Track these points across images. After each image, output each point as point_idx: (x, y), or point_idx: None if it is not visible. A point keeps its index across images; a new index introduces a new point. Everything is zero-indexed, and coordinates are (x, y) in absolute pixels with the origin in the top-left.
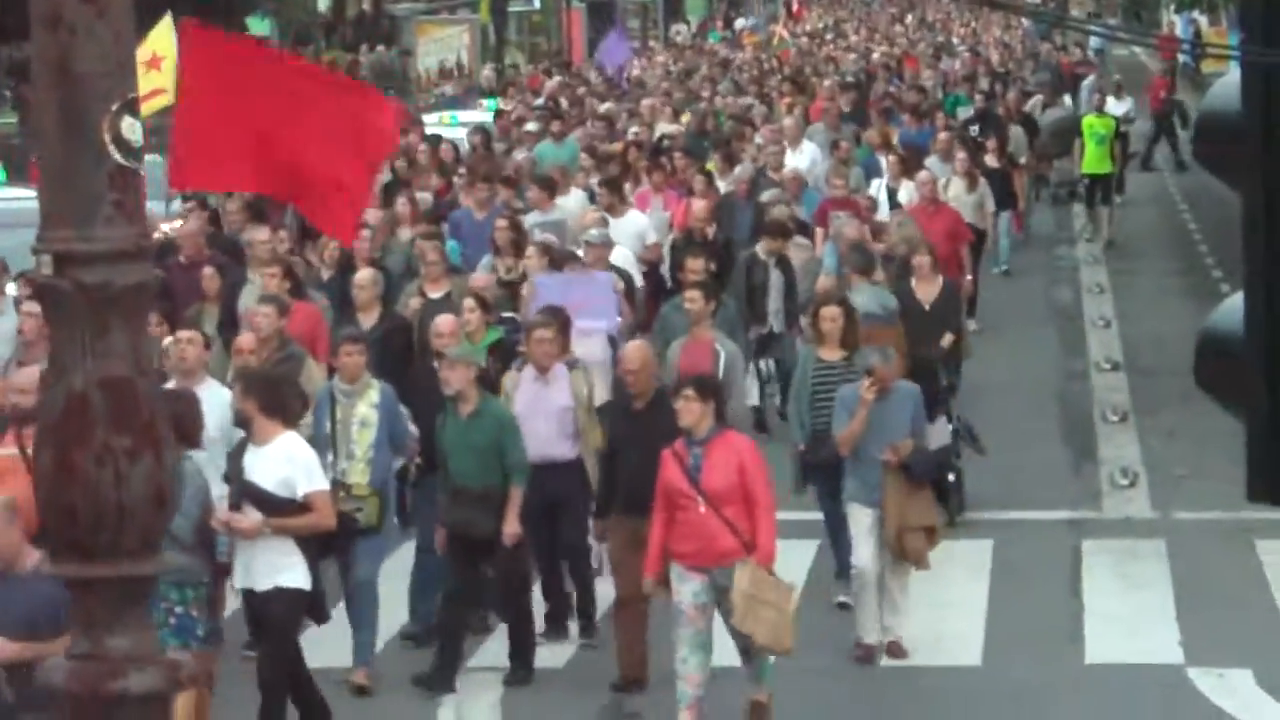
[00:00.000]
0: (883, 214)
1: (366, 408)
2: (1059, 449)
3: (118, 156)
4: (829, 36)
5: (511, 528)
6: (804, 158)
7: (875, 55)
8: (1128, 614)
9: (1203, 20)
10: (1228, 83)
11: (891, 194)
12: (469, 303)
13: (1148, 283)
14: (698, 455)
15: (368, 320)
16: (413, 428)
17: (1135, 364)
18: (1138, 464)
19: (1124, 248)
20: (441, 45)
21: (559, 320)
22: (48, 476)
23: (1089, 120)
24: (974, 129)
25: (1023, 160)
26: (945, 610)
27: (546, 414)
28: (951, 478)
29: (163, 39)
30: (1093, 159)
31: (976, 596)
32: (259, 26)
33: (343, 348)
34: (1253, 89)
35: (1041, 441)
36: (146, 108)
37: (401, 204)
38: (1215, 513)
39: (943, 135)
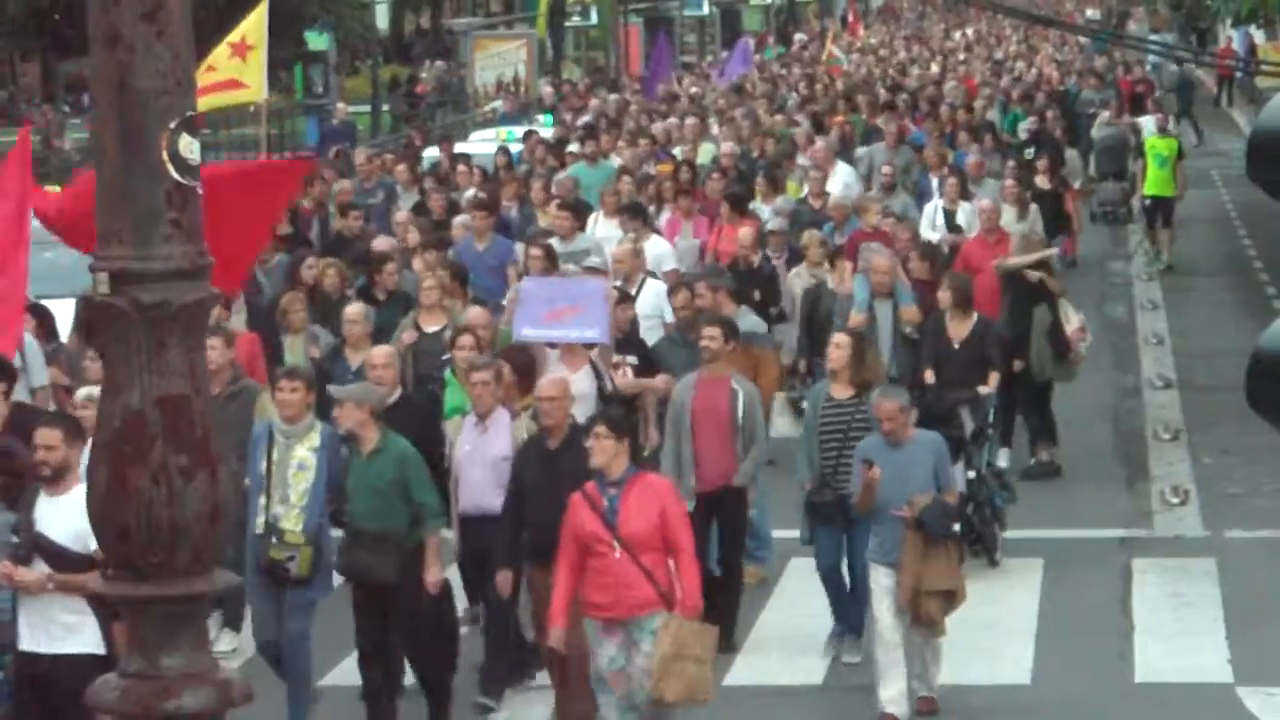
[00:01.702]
0: (937, 237)
1: (306, 450)
2: (1111, 466)
3: (176, 175)
4: (881, 54)
5: (433, 576)
6: (837, 181)
7: (931, 70)
8: (1178, 632)
9: (1259, 35)
10: None
11: (949, 216)
12: (466, 340)
13: (1202, 300)
14: (613, 498)
15: (356, 358)
16: None
17: (1188, 381)
18: (1189, 482)
19: (1178, 265)
20: (499, 60)
21: (517, 362)
22: (102, 494)
23: (1151, 141)
24: (1029, 151)
25: (1077, 184)
26: (995, 628)
27: (482, 462)
28: (957, 527)
29: (255, 28)
30: (1154, 181)
31: (1026, 614)
32: (317, 41)
33: (280, 383)
34: None
35: (1093, 459)
36: (227, 97)
37: (411, 232)
38: (1266, 531)
39: (971, 159)
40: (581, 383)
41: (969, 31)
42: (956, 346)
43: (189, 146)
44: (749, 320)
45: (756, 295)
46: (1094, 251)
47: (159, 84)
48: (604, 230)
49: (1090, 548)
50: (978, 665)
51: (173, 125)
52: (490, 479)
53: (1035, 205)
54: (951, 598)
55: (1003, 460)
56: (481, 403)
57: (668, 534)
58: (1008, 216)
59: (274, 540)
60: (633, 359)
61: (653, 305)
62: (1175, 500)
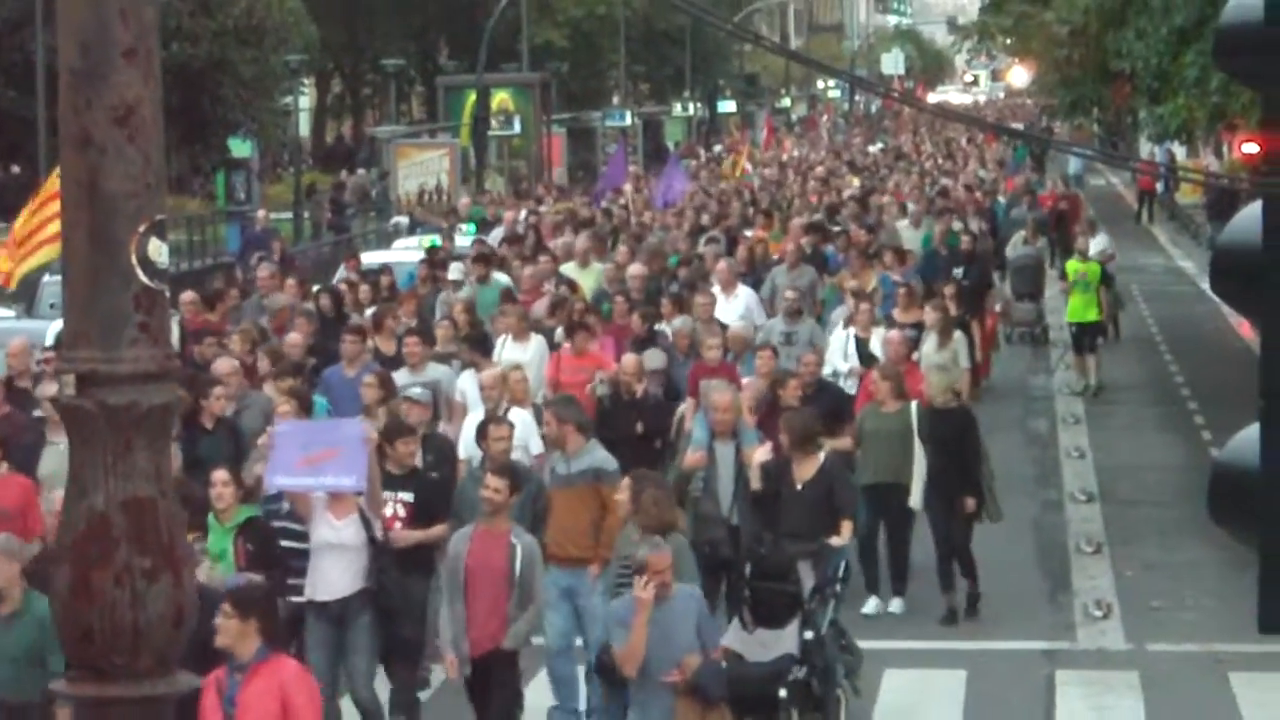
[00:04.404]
0: (844, 365)
1: None
2: (1033, 579)
3: (144, 278)
4: (798, 167)
5: None
6: (738, 303)
7: (847, 192)
8: None
9: (1179, 151)
10: (1247, 215)
11: (861, 344)
12: (220, 475)
13: (1123, 414)
14: (235, 684)
15: None
16: None
17: (1110, 495)
18: (1112, 595)
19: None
20: (421, 169)
21: (184, 496)
22: (65, 595)
23: (1072, 265)
24: (958, 272)
25: (997, 306)
26: None
27: None
28: (783, 693)
29: None
30: (1077, 307)
31: None
32: (240, 148)
33: None
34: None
35: (1016, 571)
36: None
37: (260, 357)
38: (1189, 645)
39: (850, 282)
40: (348, 532)
41: (879, 147)
42: (799, 488)
43: (158, 250)
44: (597, 455)
45: (640, 427)
46: (1014, 368)
47: (129, 187)
48: (510, 353)
49: (1014, 659)
50: None
51: (142, 229)
52: None
53: (960, 333)
54: None
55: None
56: None
57: None
58: (928, 346)
59: None
60: (407, 495)
61: (518, 436)
62: (1098, 613)
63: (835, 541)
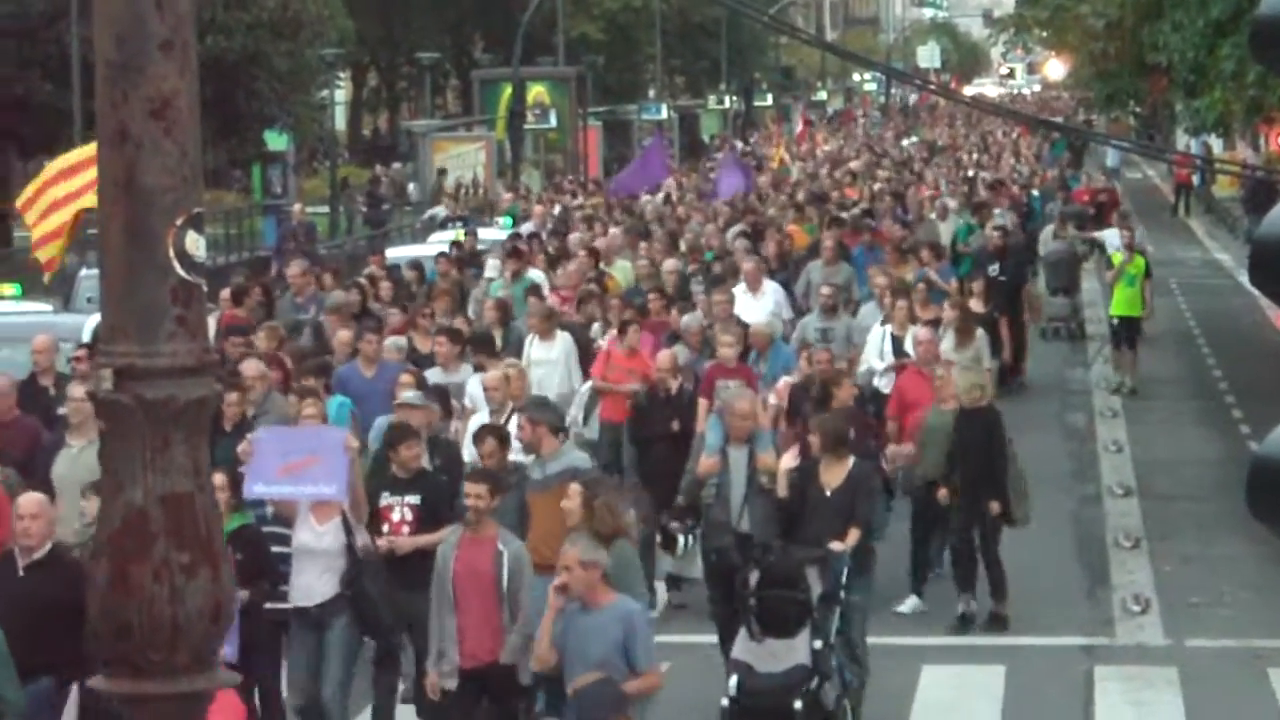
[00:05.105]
0: (880, 364)
1: None
2: (1072, 574)
3: (181, 271)
4: (831, 160)
5: None
6: (767, 300)
7: (878, 185)
8: None
9: (1216, 144)
10: None
11: (897, 343)
12: (217, 478)
13: (1161, 408)
14: None
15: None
16: None
17: (1148, 489)
18: (1150, 590)
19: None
20: (458, 162)
21: None
22: (103, 590)
23: (1118, 259)
24: (994, 268)
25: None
26: None
27: None
28: (799, 705)
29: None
30: (1121, 301)
31: None
32: (276, 141)
33: None
34: None
35: (1054, 566)
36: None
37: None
38: (1228, 640)
39: (880, 280)
40: (328, 537)
41: (912, 141)
42: (828, 494)
43: (195, 243)
44: (574, 455)
45: (675, 425)
46: (1050, 362)
47: (165, 180)
48: (538, 351)
49: (1052, 655)
50: None
51: (179, 222)
52: None
53: (981, 330)
54: None
55: (960, 606)
56: None
57: None
58: (946, 344)
59: None
60: (414, 499)
61: None
62: (1136, 608)
63: (836, 547)
